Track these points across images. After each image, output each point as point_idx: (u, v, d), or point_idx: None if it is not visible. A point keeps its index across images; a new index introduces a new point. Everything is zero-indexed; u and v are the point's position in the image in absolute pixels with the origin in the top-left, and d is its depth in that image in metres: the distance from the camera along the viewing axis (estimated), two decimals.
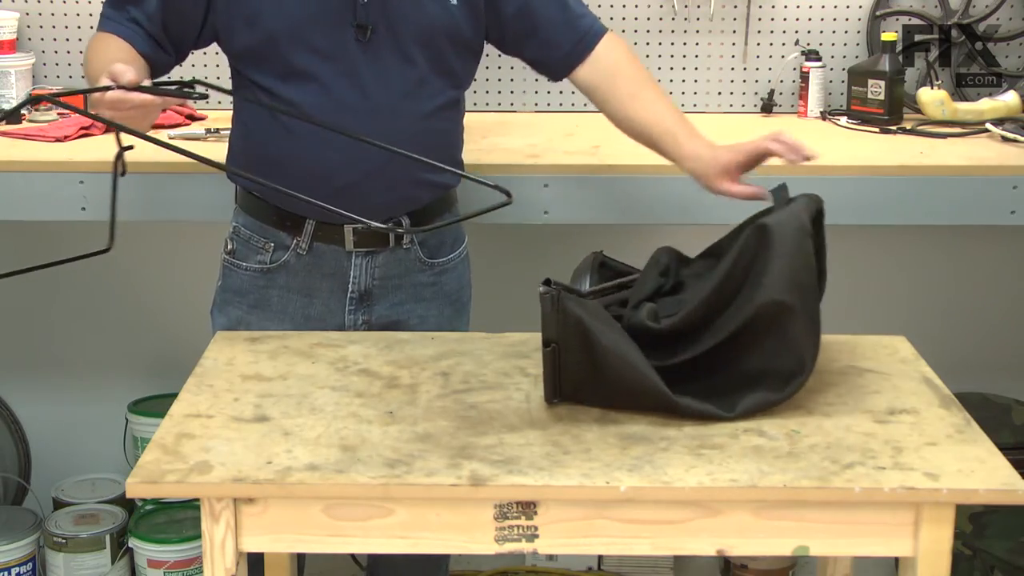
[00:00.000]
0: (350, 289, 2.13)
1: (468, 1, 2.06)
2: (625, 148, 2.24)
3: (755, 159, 1.97)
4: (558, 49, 2.14)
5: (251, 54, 2.04)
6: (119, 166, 1.83)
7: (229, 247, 2.17)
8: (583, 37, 2.13)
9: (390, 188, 2.06)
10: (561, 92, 2.89)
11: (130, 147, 1.83)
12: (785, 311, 1.67)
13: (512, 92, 2.95)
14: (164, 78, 2.08)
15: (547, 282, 1.67)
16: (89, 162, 2.41)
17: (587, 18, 2.15)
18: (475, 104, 2.94)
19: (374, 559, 2.42)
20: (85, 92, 1.96)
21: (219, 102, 2.74)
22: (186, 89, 1.94)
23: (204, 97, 1.92)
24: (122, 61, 1.88)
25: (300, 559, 2.27)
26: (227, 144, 2.18)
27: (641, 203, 2.40)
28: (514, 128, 2.75)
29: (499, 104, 2.97)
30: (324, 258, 2.11)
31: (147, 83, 1.86)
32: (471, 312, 2.31)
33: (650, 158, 2.15)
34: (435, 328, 2.16)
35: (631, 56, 2.16)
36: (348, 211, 1.79)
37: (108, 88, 1.78)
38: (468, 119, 2.22)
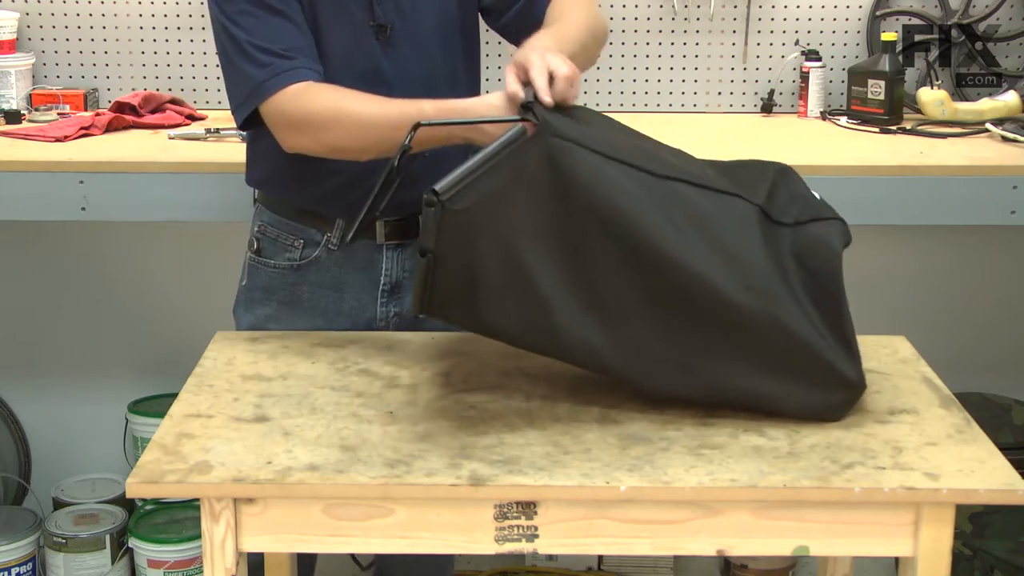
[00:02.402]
0: (382, 282, 2.12)
1: None
2: None
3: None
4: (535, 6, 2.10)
5: None
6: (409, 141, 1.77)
7: (255, 246, 2.15)
8: None
9: (413, 184, 2.05)
10: None
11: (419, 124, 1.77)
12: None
13: None
14: None
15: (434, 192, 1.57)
16: (89, 162, 2.41)
17: None
18: None
19: (381, 561, 2.41)
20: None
21: (219, 102, 2.75)
22: None
23: None
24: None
25: (311, 560, 2.24)
26: (245, 153, 2.15)
27: None
28: None
29: None
30: (355, 252, 2.11)
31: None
32: None
33: None
34: None
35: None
36: (374, 211, 1.77)
37: None
38: None
